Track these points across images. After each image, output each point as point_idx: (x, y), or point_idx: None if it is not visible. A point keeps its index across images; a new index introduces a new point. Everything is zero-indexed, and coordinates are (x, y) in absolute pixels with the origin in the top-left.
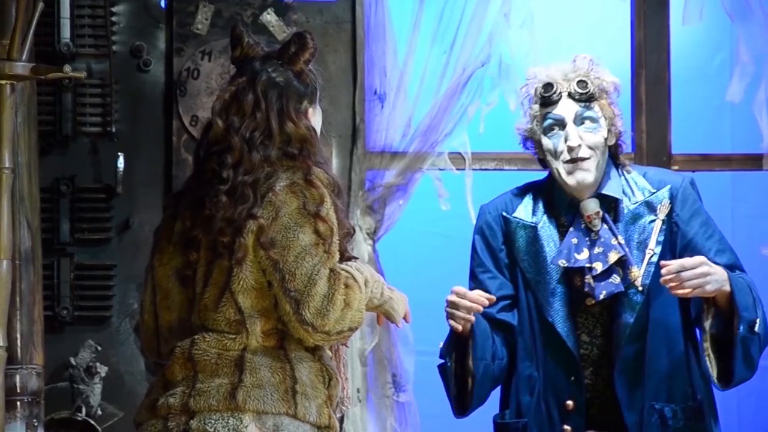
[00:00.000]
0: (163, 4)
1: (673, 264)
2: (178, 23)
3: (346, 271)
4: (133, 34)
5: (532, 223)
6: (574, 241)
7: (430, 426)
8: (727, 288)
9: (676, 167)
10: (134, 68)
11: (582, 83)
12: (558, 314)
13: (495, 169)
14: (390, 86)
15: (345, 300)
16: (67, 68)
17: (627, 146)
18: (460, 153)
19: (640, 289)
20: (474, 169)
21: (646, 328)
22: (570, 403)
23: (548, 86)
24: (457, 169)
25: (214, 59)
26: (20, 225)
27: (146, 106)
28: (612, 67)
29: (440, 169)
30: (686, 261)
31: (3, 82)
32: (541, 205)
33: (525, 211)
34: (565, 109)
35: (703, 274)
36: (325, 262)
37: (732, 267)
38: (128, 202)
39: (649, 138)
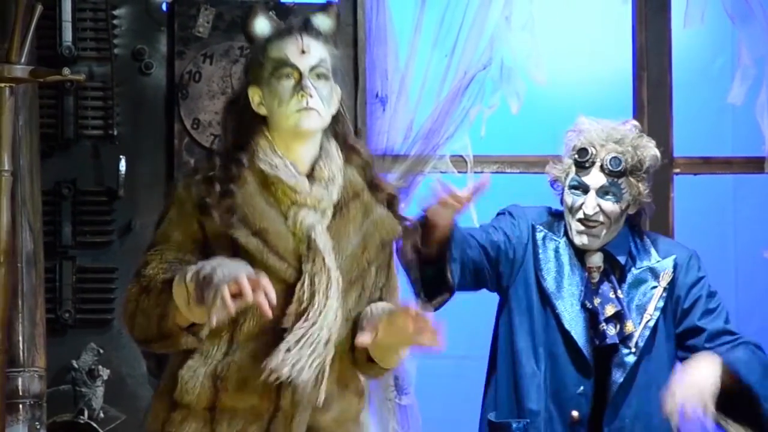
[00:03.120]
0: (164, 7)
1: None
2: (180, 26)
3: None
4: (135, 38)
5: (557, 238)
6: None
7: (432, 429)
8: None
9: (677, 170)
10: (136, 71)
11: (615, 160)
12: (576, 324)
13: (496, 172)
14: (391, 89)
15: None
16: (66, 71)
17: (648, 215)
18: (461, 156)
19: (633, 350)
20: (476, 172)
21: (638, 389)
22: (575, 414)
23: (583, 152)
24: (459, 172)
25: (215, 62)
26: (22, 228)
27: (148, 109)
28: (613, 70)
29: (442, 172)
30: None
31: (2, 85)
32: (563, 227)
33: (551, 227)
34: (593, 179)
35: (694, 395)
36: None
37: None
38: (130, 205)
39: None
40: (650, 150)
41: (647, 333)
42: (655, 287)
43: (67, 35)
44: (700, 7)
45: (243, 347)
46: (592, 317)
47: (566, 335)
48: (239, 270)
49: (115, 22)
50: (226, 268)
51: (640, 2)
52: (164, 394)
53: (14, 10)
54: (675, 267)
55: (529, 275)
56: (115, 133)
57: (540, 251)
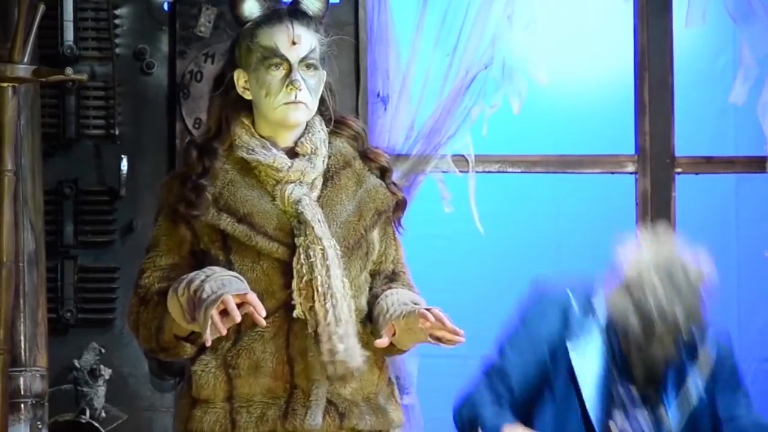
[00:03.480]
0: (166, 6)
1: None
2: (181, 26)
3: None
4: (136, 37)
5: (592, 325)
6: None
7: (434, 429)
8: None
9: (679, 170)
10: (137, 71)
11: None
12: (599, 409)
13: (498, 172)
14: (393, 89)
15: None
16: (69, 71)
17: None
18: (463, 155)
19: (671, 427)
20: (477, 172)
21: None
22: None
23: (648, 328)
24: (461, 172)
25: (217, 62)
26: (24, 227)
27: (149, 109)
28: (615, 69)
29: (443, 172)
30: None
31: (5, 84)
32: (596, 309)
33: (585, 309)
34: (658, 352)
35: None
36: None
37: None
38: (132, 205)
39: (653, 140)
40: (705, 267)
41: (686, 411)
42: (693, 365)
43: (69, 35)
44: (701, 6)
45: (251, 331)
46: (620, 402)
47: (587, 421)
48: (227, 286)
49: (116, 21)
50: (215, 282)
51: (642, 1)
52: (185, 394)
53: (17, 9)
54: (716, 353)
55: (560, 353)
56: (117, 132)
57: (573, 326)
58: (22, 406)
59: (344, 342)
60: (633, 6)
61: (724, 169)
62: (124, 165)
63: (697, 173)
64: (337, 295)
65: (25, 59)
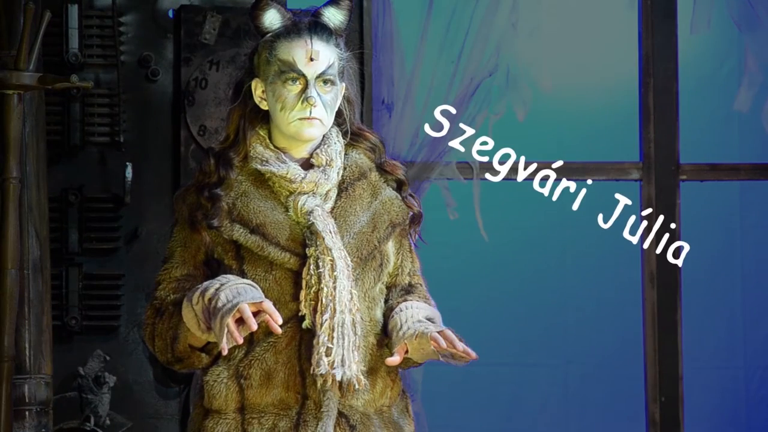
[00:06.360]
0: (171, 14)
1: None
2: (186, 33)
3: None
4: (141, 44)
5: None
6: None
7: None
8: None
9: (684, 177)
10: (142, 78)
11: None
12: None
13: (503, 179)
14: (398, 96)
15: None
16: (74, 78)
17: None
18: (468, 163)
19: None
20: (482, 179)
21: None
22: None
23: None
24: (465, 179)
25: (221, 69)
26: (29, 235)
27: (154, 116)
28: (619, 76)
29: (448, 179)
30: None
31: (10, 92)
32: None
33: None
34: None
35: None
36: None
37: None
38: (136, 212)
39: (657, 147)
40: None
41: None
42: None
43: (74, 42)
44: (706, 13)
45: (263, 342)
46: None
47: None
48: (242, 295)
49: (121, 29)
50: (230, 291)
51: (647, 9)
52: (198, 404)
53: (22, 17)
54: None
55: None
56: (122, 139)
57: None
58: (27, 413)
59: (335, 355)
60: (638, 13)
61: (729, 177)
62: (129, 172)
63: (701, 180)
64: (338, 308)
65: (31, 66)
